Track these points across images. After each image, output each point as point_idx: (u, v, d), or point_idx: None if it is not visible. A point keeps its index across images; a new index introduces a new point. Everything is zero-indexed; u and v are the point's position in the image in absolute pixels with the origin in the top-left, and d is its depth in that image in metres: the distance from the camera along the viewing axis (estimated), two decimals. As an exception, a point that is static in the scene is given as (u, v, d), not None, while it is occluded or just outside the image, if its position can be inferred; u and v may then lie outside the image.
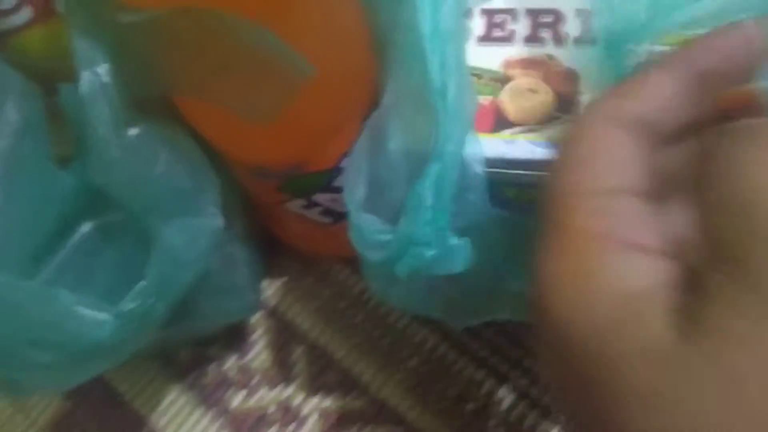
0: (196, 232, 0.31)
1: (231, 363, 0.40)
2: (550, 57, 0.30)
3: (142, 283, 0.27)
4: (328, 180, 0.35)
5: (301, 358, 0.40)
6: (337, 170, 0.35)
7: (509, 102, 0.29)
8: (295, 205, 0.37)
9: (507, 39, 0.30)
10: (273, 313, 0.41)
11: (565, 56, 0.30)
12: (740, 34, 0.21)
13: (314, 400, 0.39)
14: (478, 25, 0.30)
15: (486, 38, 0.30)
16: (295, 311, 0.41)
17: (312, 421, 0.38)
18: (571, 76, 0.29)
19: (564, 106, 0.29)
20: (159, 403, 0.39)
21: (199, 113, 0.31)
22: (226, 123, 0.30)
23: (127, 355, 0.29)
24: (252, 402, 0.39)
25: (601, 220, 0.19)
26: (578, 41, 0.30)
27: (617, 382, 0.17)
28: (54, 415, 0.40)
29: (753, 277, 0.16)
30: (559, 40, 0.30)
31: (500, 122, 0.29)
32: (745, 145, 0.18)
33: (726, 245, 0.17)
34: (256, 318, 0.41)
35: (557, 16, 0.31)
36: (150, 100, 0.31)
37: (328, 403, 0.39)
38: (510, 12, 0.31)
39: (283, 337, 0.41)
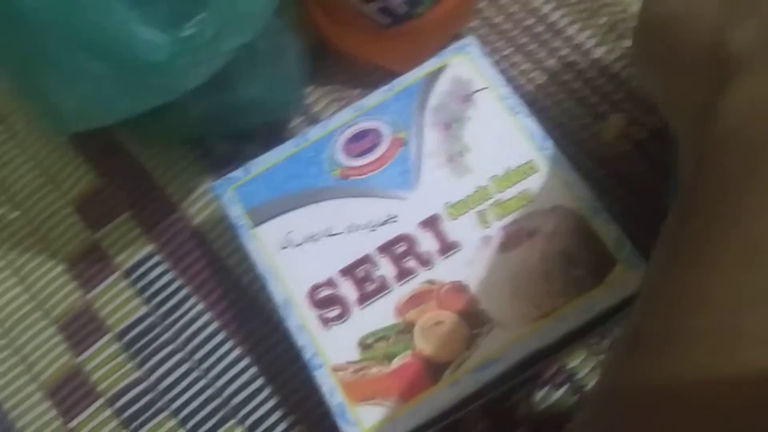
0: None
1: (267, 162, 0.39)
2: (431, 282, 0.29)
3: (203, 14, 0.26)
4: (392, -30, 0.34)
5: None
6: (405, -43, 0.33)
7: (428, 345, 0.28)
8: (354, -4, 0.35)
9: (382, 288, 0.29)
10: (314, 120, 0.40)
11: (442, 272, 0.29)
12: None
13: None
14: (349, 291, 0.29)
15: (364, 298, 0.29)
16: (337, 121, 0.40)
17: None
18: (459, 289, 0.28)
19: (474, 321, 0.28)
20: (191, 192, 0.39)
21: None
22: None
23: (177, 93, 0.27)
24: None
25: None
26: (443, 252, 0.29)
27: None
28: (85, 189, 0.39)
29: None
30: (424, 261, 0.29)
31: (435, 370, 0.27)
32: None
33: None
34: (297, 122, 0.40)
35: (407, 240, 0.29)
36: None
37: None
38: (367, 260, 0.29)
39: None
